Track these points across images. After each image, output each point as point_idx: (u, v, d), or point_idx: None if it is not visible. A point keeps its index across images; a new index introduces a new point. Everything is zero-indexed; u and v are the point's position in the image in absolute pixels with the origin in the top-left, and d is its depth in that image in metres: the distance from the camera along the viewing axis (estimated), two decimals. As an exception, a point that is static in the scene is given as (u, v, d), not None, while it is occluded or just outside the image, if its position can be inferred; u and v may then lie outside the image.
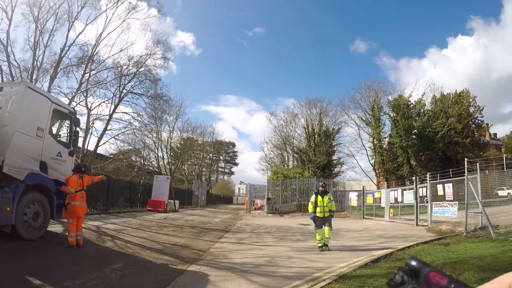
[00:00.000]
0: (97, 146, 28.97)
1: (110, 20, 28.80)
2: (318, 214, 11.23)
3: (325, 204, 11.22)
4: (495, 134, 65.81)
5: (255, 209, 37.62)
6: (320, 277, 7.19)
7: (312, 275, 7.40)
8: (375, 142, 51.63)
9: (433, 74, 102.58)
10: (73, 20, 26.69)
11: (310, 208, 11.52)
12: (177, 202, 32.71)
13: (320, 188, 11.69)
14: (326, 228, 11.02)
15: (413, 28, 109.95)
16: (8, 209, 8.62)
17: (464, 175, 14.60)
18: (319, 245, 11.00)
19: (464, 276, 6.59)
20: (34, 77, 24.09)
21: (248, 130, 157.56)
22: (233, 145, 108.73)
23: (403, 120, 45.77)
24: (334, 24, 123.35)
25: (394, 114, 47.86)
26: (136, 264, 8.22)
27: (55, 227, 12.31)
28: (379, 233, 15.99)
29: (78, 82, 27.17)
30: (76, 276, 6.57)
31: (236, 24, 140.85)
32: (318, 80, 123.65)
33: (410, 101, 49.06)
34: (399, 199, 21.87)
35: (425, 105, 49.11)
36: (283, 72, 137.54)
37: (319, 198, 11.32)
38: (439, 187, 17.53)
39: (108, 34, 29.04)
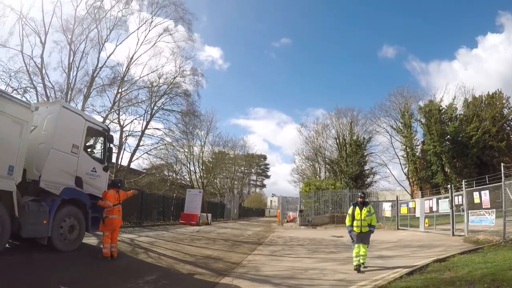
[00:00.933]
0: (130, 161, 29.54)
1: (142, 42, 29.61)
2: (355, 229, 9.77)
3: (363, 218, 9.69)
4: (533, 136, 63.50)
5: (287, 221, 37.37)
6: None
7: (346, 288, 7.26)
8: (407, 150, 50.36)
9: (464, 76, 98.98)
10: (103, 42, 27.61)
11: (348, 221, 10.04)
12: (209, 215, 32.91)
13: (359, 199, 10.09)
14: (362, 245, 9.64)
15: (441, 29, 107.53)
16: (44, 222, 9.00)
17: (500, 181, 14.15)
18: (355, 263, 9.47)
19: (503, 288, 6.26)
20: (69, 97, 24.89)
21: (279, 142, 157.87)
22: (264, 157, 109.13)
23: (435, 126, 44.62)
24: (360, 31, 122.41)
25: (426, 120, 46.77)
26: (169, 276, 8.27)
27: (90, 240, 12.60)
28: (414, 244, 15.61)
29: (111, 101, 27.99)
30: (110, 287, 6.69)
31: (262, 36, 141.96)
32: (348, 89, 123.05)
33: (441, 106, 47.72)
34: (434, 209, 21.25)
35: (457, 109, 47.74)
36: (312, 82, 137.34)
37: (357, 210, 9.83)
38: (475, 194, 16.90)
39: (139, 56, 29.86)
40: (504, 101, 46.02)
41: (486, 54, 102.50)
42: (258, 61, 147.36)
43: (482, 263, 9.18)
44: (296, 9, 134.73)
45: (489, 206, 15.59)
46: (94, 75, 26.62)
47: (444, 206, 20.09)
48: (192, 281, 8.03)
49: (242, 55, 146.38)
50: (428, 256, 11.15)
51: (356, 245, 9.68)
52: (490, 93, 47.11)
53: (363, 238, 9.74)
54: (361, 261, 9.59)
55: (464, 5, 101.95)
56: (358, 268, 9.37)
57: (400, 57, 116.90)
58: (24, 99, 18.57)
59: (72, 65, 25.82)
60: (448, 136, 45.52)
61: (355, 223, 9.83)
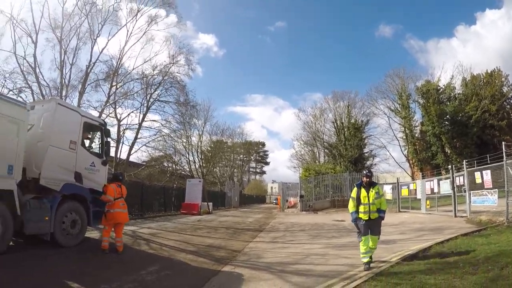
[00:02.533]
0: (129, 154, 29.60)
1: (131, 33, 29.54)
2: (361, 215, 8.06)
3: (371, 201, 7.99)
4: (533, 113, 63.60)
5: (288, 207, 37.57)
6: (355, 275, 7.08)
7: (348, 273, 7.29)
8: (406, 132, 50.63)
9: (463, 53, 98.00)
10: (95, 38, 27.64)
11: (351, 206, 8.30)
12: (210, 204, 33.08)
13: (364, 179, 8.28)
14: (371, 237, 8.04)
15: (439, 6, 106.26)
16: (46, 218, 9.12)
17: (502, 160, 14.13)
18: (364, 260, 7.81)
19: (508, 270, 6.30)
20: (64, 94, 25.05)
21: (277, 128, 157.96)
22: (263, 144, 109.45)
23: (434, 106, 44.69)
24: (355, 10, 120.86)
25: (424, 101, 46.85)
26: (172, 266, 8.38)
27: (93, 234, 12.72)
28: (416, 226, 15.60)
29: (106, 95, 28.02)
30: (112, 279, 6.78)
31: (256, 21, 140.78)
32: (345, 71, 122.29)
33: (439, 86, 47.84)
34: (435, 190, 21.29)
35: (455, 88, 48.25)
36: (308, 66, 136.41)
37: (363, 192, 8.11)
38: (477, 174, 16.87)
39: (131, 47, 29.77)
40: (503, 79, 46.10)
41: (485, 31, 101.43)
42: (253, 46, 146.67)
43: (486, 244, 9.20)
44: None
45: (491, 186, 15.51)
46: (88, 71, 26.69)
47: (445, 187, 20.15)
48: (194, 270, 8.12)
49: (237, 41, 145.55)
50: (430, 239, 11.12)
51: (363, 237, 7.98)
52: (489, 71, 47.03)
53: (372, 226, 8.07)
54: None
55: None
56: (368, 266, 7.68)
57: (397, 36, 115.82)
58: (19, 99, 18.67)
59: (65, 62, 25.95)
60: (447, 116, 45.67)
61: (361, 208, 8.06)
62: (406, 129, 50.70)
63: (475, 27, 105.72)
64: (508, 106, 46.44)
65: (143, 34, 30.16)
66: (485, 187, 15.92)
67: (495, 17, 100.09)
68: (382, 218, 8.26)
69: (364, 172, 8.62)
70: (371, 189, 8.09)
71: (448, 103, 46.26)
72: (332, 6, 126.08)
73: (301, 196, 34.50)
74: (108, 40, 28.98)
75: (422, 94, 47.50)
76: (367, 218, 7.99)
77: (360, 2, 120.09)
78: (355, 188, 8.35)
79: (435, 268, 6.99)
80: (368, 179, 8.25)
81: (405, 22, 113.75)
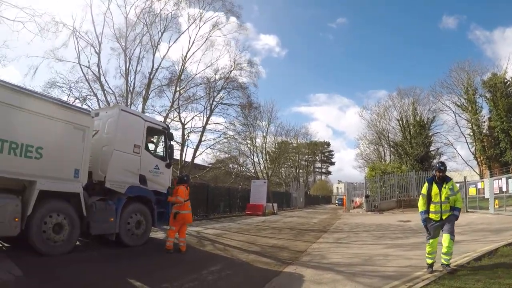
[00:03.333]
0: (194, 157, 30.18)
1: (194, 40, 30.00)
2: (432, 215, 7.15)
3: (442, 200, 7.04)
4: None
5: (354, 207, 36.88)
6: (418, 277, 6.79)
7: (411, 275, 6.99)
8: (473, 128, 47.60)
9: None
10: (156, 45, 28.33)
11: (421, 204, 7.36)
12: (275, 205, 33.15)
13: (437, 173, 7.25)
14: (444, 236, 6.99)
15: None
16: (112, 219, 9.56)
17: None
18: (429, 261, 7.16)
19: None
20: (128, 100, 25.98)
21: (343, 127, 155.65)
22: (328, 144, 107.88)
23: (502, 100, 41.81)
24: (417, 1, 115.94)
25: (491, 95, 43.93)
26: (233, 266, 8.44)
27: (158, 234, 13.12)
28: (483, 227, 14.68)
29: (170, 100, 28.68)
30: (174, 278, 6.91)
31: (317, 18, 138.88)
32: (409, 67, 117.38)
33: (506, 78, 44.42)
34: (504, 189, 20.02)
35: (525, 79, 44.40)
36: (372, 63, 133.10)
37: (435, 188, 7.16)
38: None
39: (194, 53, 30.27)
40: None
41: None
42: (315, 44, 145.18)
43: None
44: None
45: None
46: (151, 77, 27.44)
47: (514, 186, 18.79)
48: (255, 270, 8.11)
49: (298, 40, 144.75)
50: (497, 240, 10.45)
51: (431, 240, 7.18)
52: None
53: (444, 226, 7.09)
54: (444, 261, 7.02)
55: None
56: (432, 269, 7.07)
57: (462, 27, 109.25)
58: (85, 106, 19.71)
59: (129, 70, 26.86)
60: (517, 110, 42.45)
61: (432, 207, 7.15)
62: (473, 125, 47.64)
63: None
64: None
65: (205, 40, 30.72)
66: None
67: None
68: (456, 217, 7.12)
69: (437, 165, 7.46)
70: (444, 185, 7.10)
71: (518, 96, 43.03)
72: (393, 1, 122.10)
73: (367, 196, 33.79)
74: (169, 47, 29.84)
75: (489, 88, 44.38)
76: (438, 219, 7.08)
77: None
78: (426, 184, 7.37)
79: (501, 272, 6.52)
80: (441, 174, 7.20)
81: (469, 12, 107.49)
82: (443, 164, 7.45)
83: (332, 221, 23.25)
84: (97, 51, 25.54)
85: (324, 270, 7.94)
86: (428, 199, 7.19)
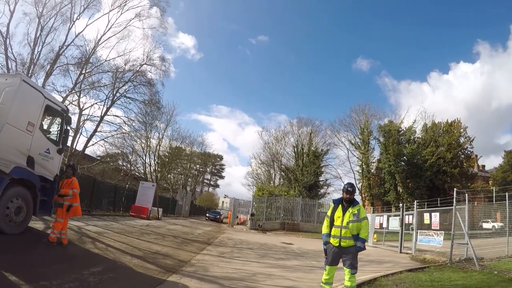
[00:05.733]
0: (85, 146, 28.77)
1: (112, 25, 28.95)
2: (331, 240, 6.52)
3: (344, 224, 6.40)
4: (483, 166, 67.76)
5: (238, 223, 37.57)
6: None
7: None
8: (363, 166, 52.03)
9: (432, 99, 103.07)
10: (74, 20, 26.82)
11: (324, 226, 6.74)
12: (160, 210, 32.64)
13: (344, 195, 6.63)
14: (346, 271, 6.39)
15: (417, 48, 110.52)
16: None
17: (451, 205, 14.72)
18: None
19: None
20: (30, 71, 24.08)
21: (238, 143, 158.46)
22: (221, 158, 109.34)
23: (393, 146, 46.23)
24: (337, 39, 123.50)
25: (384, 140, 48.42)
26: (116, 270, 8.00)
27: (36, 224, 12.08)
28: (361, 257, 15.58)
29: (73, 81, 27.17)
30: (53, 276, 6.37)
31: (240, 30, 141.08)
32: (315, 97, 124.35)
33: (400, 128, 49.72)
34: (384, 225, 22.00)
35: (416, 132, 50.03)
36: (281, 86, 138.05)
37: (339, 211, 6.57)
38: (426, 215, 17.68)
39: (108, 38, 29.14)
40: (461, 130, 48.43)
41: (456, 81, 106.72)
42: (231, 56, 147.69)
43: (429, 281, 9.53)
44: (279, 9, 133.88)
45: (438, 228, 16.28)
46: (60, 52, 25.83)
47: (394, 223, 20.78)
48: (138, 277, 7.78)
49: (216, 47, 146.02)
50: (376, 271, 11.28)
51: (327, 267, 6.50)
52: (450, 121, 49.39)
53: (343, 255, 6.44)
54: None
55: (447, 24, 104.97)
56: None
57: (373, 71, 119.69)
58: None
59: (39, 40, 25.01)
60: (404, 157, 47.17)
61: (333, 231, 6.52)
62: (363, 164, 52.04)
63: (447, 76, 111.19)
64: (463, 156, 48.53)
65: (123, 28, 29.71)
66: (433, 228, 16.67)
67: (468, 70, 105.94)
68: (359, 249, 6.43)
69: (345, 186, 6.76)
70: (350, 208, 6.48)
71: (407, 145, 47.70)
72: (316, 31, 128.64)
73: (252, 215, 34.71)
74: (87, 25, 28.53)
75: (383, 133, 48.97)
76: (336, 245, 6.39)
77: (343, 30, 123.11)
78: (332, 205, 6.79)
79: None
80: (348, 196, 6.57)
81: (383, 59, 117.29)
82: (351, 185, 6.76)
83: (216, 234, 23.41)
84: (11, 10, 23.53)
85: (208, 282, 7.89)
86: (331, 222, 6.58)
